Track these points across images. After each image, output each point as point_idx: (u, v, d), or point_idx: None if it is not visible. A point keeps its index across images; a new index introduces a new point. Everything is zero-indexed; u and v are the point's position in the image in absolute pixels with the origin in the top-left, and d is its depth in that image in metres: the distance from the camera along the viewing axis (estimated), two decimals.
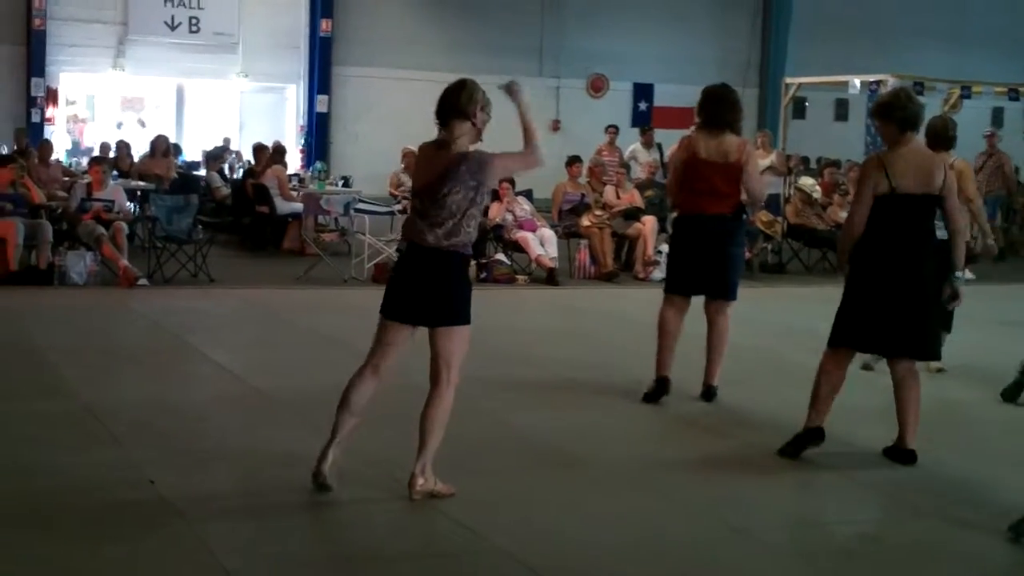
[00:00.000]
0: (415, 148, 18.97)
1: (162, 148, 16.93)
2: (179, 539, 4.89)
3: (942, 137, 8.10)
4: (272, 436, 6.49)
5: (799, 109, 19.92)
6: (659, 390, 7.51)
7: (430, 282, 5.37)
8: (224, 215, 16.11)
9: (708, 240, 7.42)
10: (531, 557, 4.78)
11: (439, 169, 5.37)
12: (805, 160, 20.88)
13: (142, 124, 22.31)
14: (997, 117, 20.39)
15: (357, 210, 13.86)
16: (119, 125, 22.38)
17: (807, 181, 15.77)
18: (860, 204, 6.24)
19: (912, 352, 6.36)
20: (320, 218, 14.97)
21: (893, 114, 6.22)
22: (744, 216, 7.69)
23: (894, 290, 6.19)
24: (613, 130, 18.18)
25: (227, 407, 7.19)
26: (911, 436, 6.35)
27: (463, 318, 5.43)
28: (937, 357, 7.18)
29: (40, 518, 5.05)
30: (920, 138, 6.50)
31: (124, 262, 11.90)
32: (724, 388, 7.64)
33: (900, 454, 6.37)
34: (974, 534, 5.34)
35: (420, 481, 5.32)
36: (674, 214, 8.16)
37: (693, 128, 7.64)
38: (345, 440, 5.46)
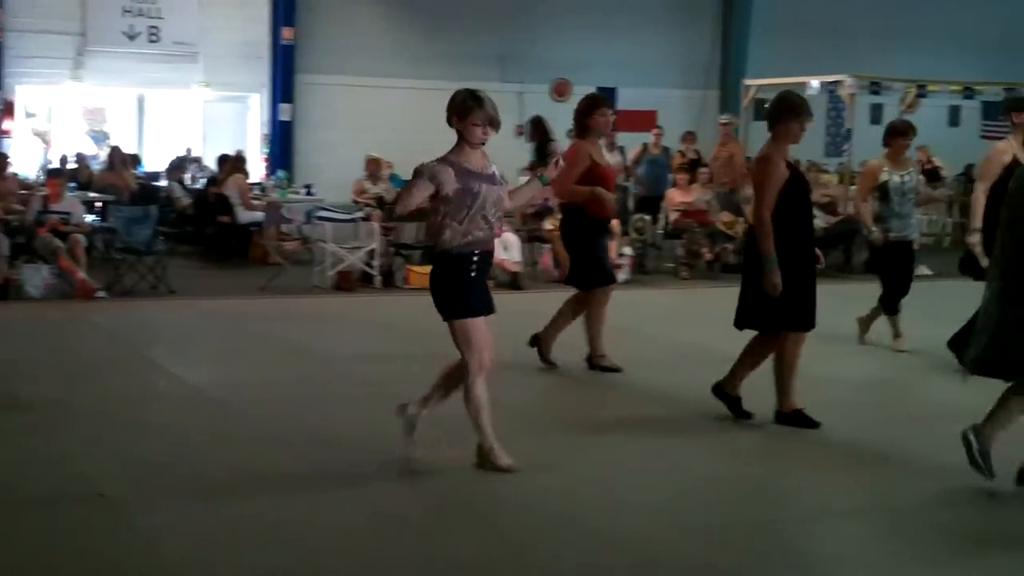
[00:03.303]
0: (379, 155, 18.90)
1: (118, 160, 16.82)
2: (130, 553, 4.84)
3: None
4: (229, 448, 6.45)
5: (759, 111, 19.99)
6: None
7: None
8: (186, 225, 16.05)
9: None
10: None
11: None
12: None
13: (96, 139, 21.98)
14: (954, 115, 20.53)
15: (319, 218, 13.83)
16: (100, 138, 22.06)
17: None
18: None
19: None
20: (284, 227, 14.95)
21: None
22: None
23: None
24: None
25: (184, 419, 7.14)
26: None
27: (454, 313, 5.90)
28: None
29: None
30: None
31: (82, 274, 11.84)
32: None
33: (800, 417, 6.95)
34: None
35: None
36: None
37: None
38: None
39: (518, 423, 6.08)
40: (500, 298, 12.29)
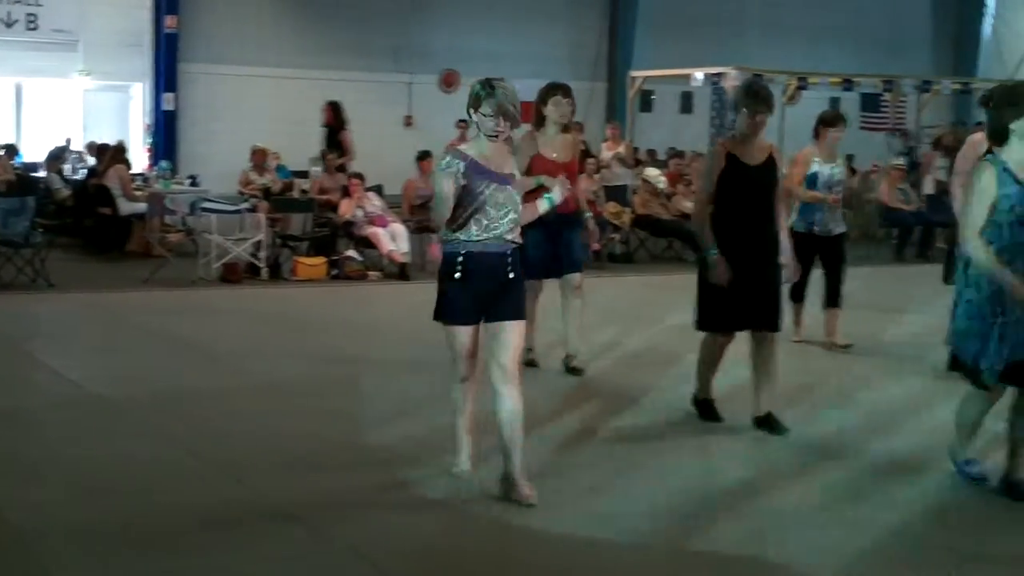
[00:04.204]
0: (265, 146, 18.54)
1: None
2: (10, 556, 4.73)
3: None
4: (110, 444, 6.33)
5: (646, 102, 20.30)
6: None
7: None
8: (65, 217, 15.70)
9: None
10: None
11: None
12: (652, 152, 21.29)
13: None
14: (834, 107, 20.97)
15: (204, 209, 13.62)
16: None
17: (652, 172, 16.09)
18: None
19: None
20: (167, 218, 14.70)
21: None
22: None
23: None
24: (464, 125, 18.21)
25: (63, 415, 6.98)
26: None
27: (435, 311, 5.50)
28: None
29: None
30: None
31: None
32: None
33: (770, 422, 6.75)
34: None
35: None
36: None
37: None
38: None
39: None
40: (388, 289, 12.52)
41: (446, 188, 5.28)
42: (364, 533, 5.03)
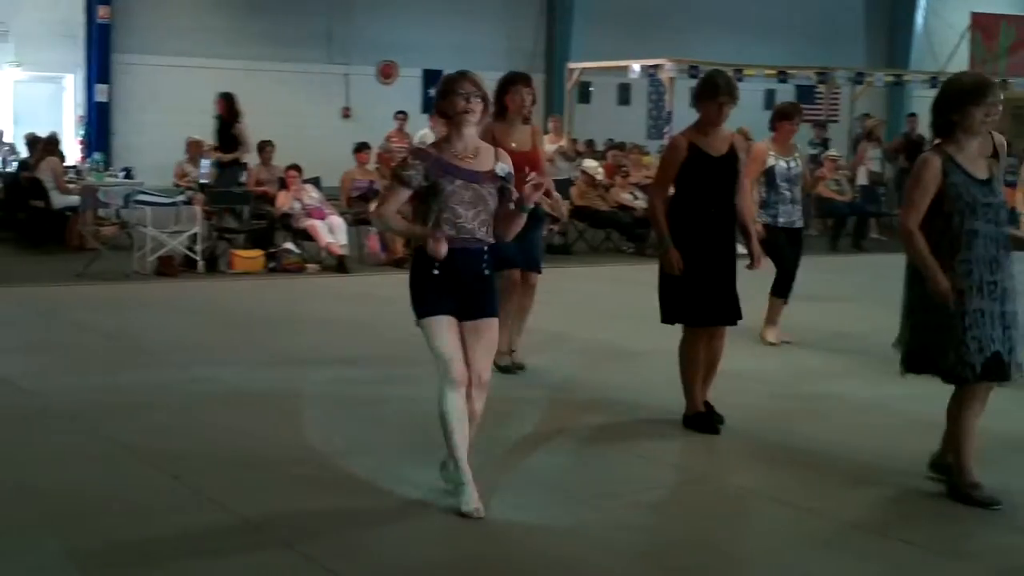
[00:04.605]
0: (200, 138, 18.24)
1: None
2: None
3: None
4: (45, 441, 6.25)
5: (584, 94, 20.39)
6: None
7: None
8: None
9: None
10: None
11: None
12: (590, 143, 21.39)
13: None
14: (769, 98, 21.27)
15: (138, 202, 13.46)
16: None
17: (591, 163, 16.18)
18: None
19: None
20: (101, 211, 14.52)
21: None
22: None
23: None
24: (402, 116, 18.19)
25: None
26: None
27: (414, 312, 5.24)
28: None
29: None
30: None
31: None
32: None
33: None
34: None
35: None
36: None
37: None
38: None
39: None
40: (326, 282, 12.46)
41: (388, 208, 5.16)
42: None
